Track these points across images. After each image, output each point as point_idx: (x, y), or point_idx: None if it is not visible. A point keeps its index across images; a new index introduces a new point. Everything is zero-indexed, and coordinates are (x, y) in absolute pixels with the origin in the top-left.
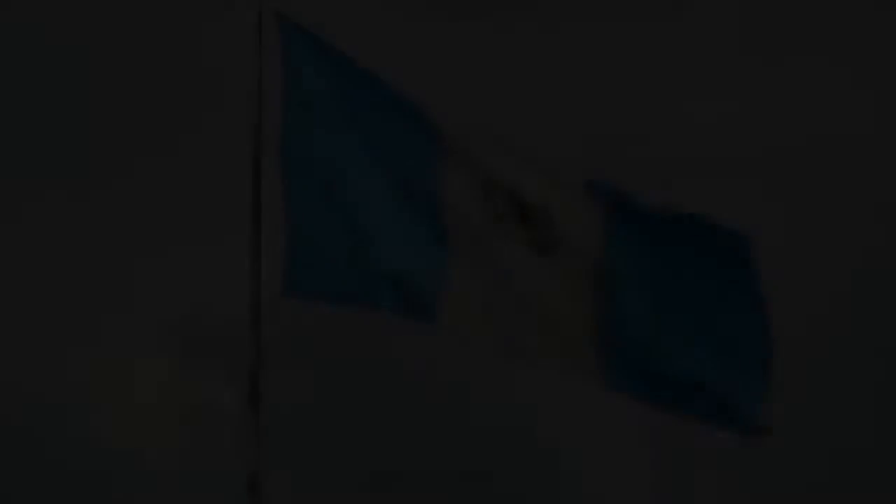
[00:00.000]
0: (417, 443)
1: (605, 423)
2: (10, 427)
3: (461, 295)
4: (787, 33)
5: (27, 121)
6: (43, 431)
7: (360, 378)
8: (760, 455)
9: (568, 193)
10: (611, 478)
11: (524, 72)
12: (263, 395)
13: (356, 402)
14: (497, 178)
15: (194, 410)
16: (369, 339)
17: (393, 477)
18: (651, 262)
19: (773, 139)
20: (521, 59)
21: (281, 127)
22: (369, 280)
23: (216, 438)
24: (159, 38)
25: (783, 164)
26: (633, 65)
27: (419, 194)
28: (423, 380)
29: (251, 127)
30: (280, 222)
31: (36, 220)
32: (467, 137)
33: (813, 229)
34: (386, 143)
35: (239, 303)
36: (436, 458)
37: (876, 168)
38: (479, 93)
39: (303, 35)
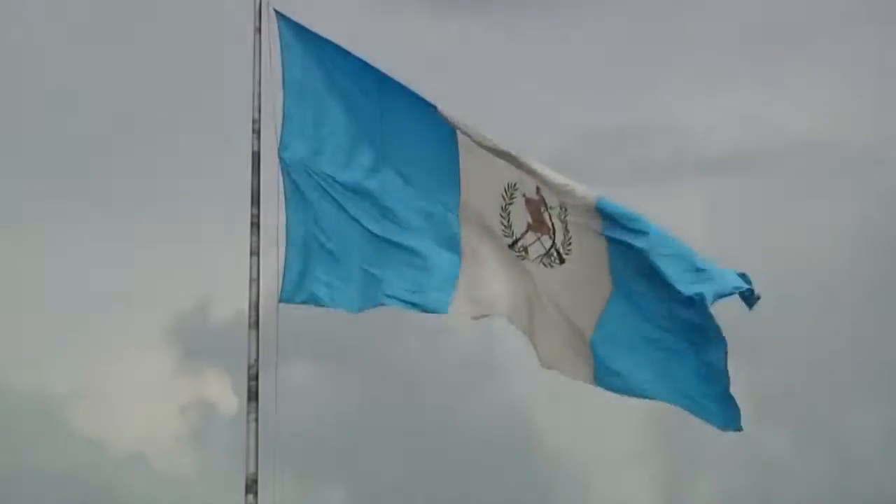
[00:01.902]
0: (417, 441)
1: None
2: (9, 425)
3: (469, 297)
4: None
5: (27, 121)
6: (43, 430)
7: (359, 378)
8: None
9: (580, 208)
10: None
11: (524, 68)
12: (263, 395)
13: (355, 402)
14: (515, 186)
15: (194, 410)
16: (369, 339)
17: (392, 476)
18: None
19: (770, 139)
20: (522, 56)
21: (281, 135)
22: (371, 290)
23: (216, 438)
24: (158, 40)
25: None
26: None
27: (436, 205)
28: (422, 380)
29: (252, 130)
30: (279, 224)
31: (37, 222)
32: (483, 145)
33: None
34: (398, 153)
35: (239, 303)
36: (435, 457)
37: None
38: (479, 88)
39: (302, 34)
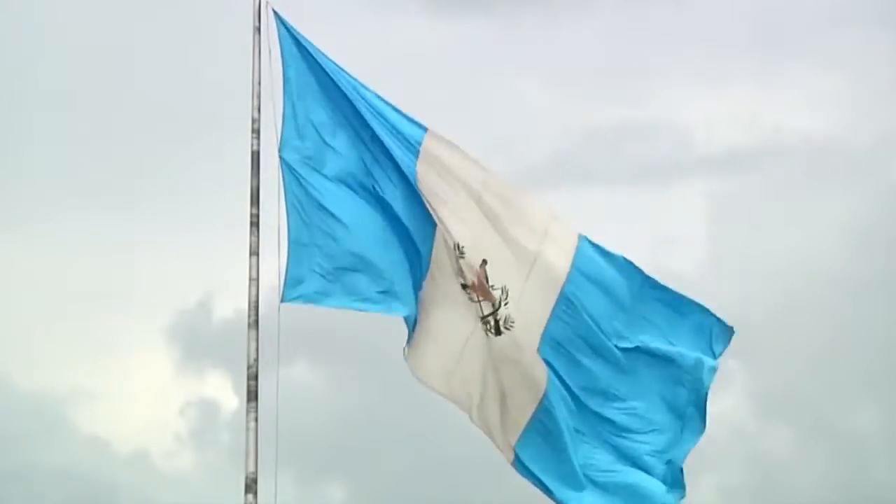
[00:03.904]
0: (417, 441)
1: None
2: (11, 425)
3: (423, 345)
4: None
5: (27, 121)
6: (45, 429)
7: (359, 378)
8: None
9: (524, 271)
10: None
11: (524, 68)
12: (263, 395)
13: (355, 402)
14: (462, 249)
15: (195, 410)
16: (369, 339)
17: (392, 476)
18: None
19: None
20: (522, 56)
21: (281, 134)
22: (364, 293)
23: (216, 438)
24: (158, 39)
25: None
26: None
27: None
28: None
29: (251, 130)
30: (279, 224)
31: (37, 222)
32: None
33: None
34: (380, 173)
35: (239, 303)
36: (436, 457)
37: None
38: (477, 87)
39: (299, 36)
